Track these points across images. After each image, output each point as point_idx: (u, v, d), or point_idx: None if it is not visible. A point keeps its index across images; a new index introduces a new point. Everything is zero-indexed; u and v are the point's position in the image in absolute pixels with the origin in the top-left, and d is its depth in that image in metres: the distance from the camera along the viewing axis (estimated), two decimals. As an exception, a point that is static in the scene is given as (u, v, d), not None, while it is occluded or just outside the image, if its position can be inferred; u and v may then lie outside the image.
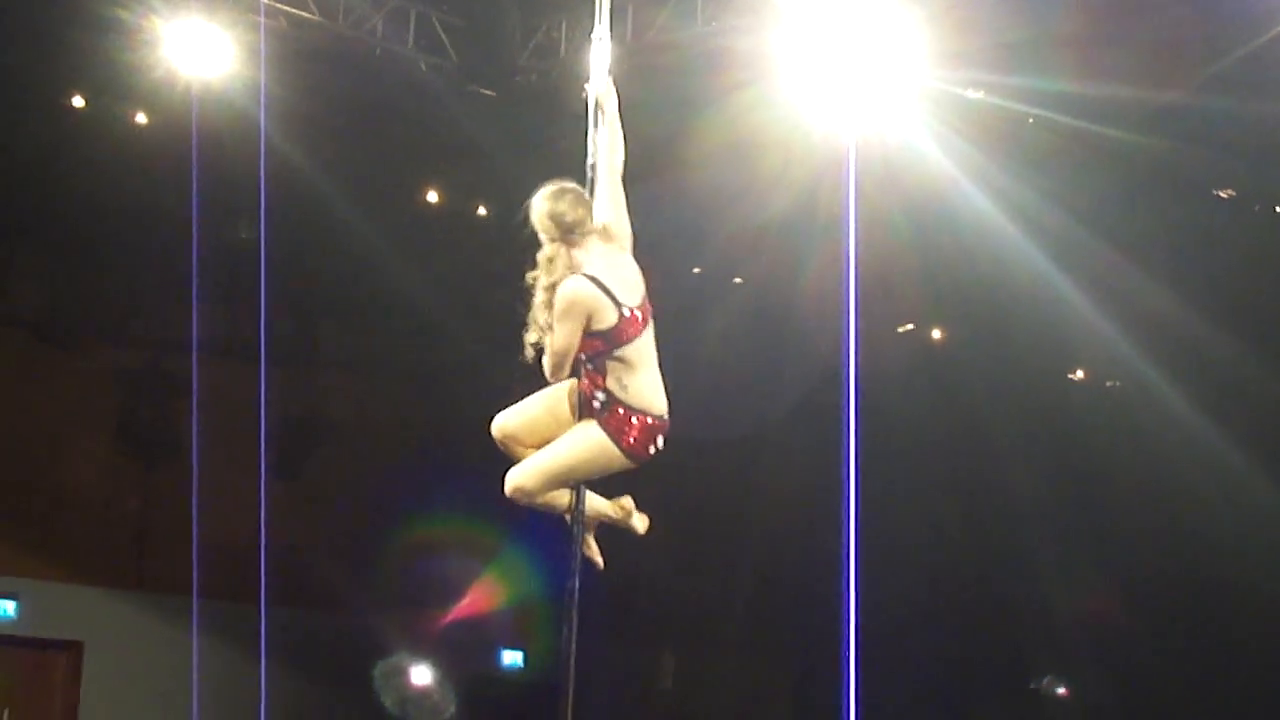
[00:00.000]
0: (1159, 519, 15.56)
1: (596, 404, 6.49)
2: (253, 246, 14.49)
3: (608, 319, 6.40)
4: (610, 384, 6.47)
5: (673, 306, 15.06)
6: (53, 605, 15.54)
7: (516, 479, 6.61)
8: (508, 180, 13.95)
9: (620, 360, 6.47)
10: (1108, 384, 15.51)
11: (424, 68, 12.53)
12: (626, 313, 6.43)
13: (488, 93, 12.87)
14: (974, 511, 16.64)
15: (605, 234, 6.61)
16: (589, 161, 6.91)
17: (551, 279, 6.45)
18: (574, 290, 6.37)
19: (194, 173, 13.24)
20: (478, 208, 14.77)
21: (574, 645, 6.81)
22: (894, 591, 16.36)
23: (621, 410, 6.47)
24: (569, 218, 6.50)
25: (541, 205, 6.54)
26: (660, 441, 6.58)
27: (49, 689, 15.65)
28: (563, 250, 6.48)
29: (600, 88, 6.92)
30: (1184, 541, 15.38)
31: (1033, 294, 13.66)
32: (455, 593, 17.57)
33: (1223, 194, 13.03)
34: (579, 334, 6.41)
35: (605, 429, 6.48)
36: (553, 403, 6.70)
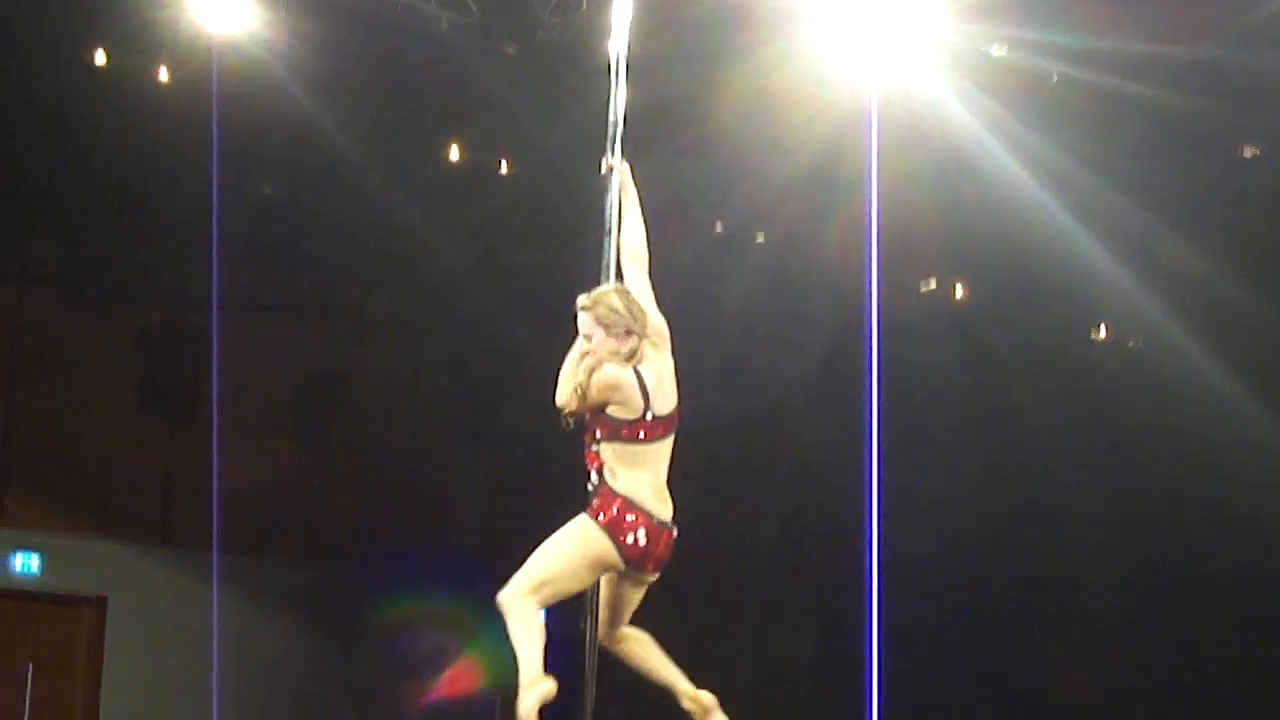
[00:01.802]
0: (1181, 476, 15.53)
1: (590, 486, 6.58)
2: (276, 203, 14.54)
3: (626, 413, 6.52)
4: (605, 470, 6.55)
5: (695, 264, 15.13)
6: (77, 560, 15.60)
7: (502, 595, 6.52)
8: (529, 137, 13.97)
9: (622, 454, 6.55)
10: (1130, 342, 15.46)
11: (445, 24, 12.49)
12: (649, 418, 6.54)
13: (509, 49, 12.84)
14: (996, 467, 16.61)
15: (657, 336, 6.73)
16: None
17: (596, 359, 6.56)
18: (618, 378, 6.51)
19: (214, 130, 13.26)
20: (499, 164, 14.74)
21: (593, 601, 6.82)
22: (916, 545, 16.38)
23: (607, 493, 6.51)
24: (639, 314, 6.65)
25: (611, 297, 6.67)
26: (663, 552, 6.59)
27: (73, 644, 15.72)
28: (635, 341, 6.59)
29: (621, 168, 7.06)
30: (1207, 497, 15.35)
31: (1056, 251, 13.62)
32: (479, 549, 17.63)
33: (1247, 152, 12.96)
34: (592, 406, 6.54)
35: (597, 520, 6.49)
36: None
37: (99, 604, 15.75)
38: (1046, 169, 12.72)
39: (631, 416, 6.50)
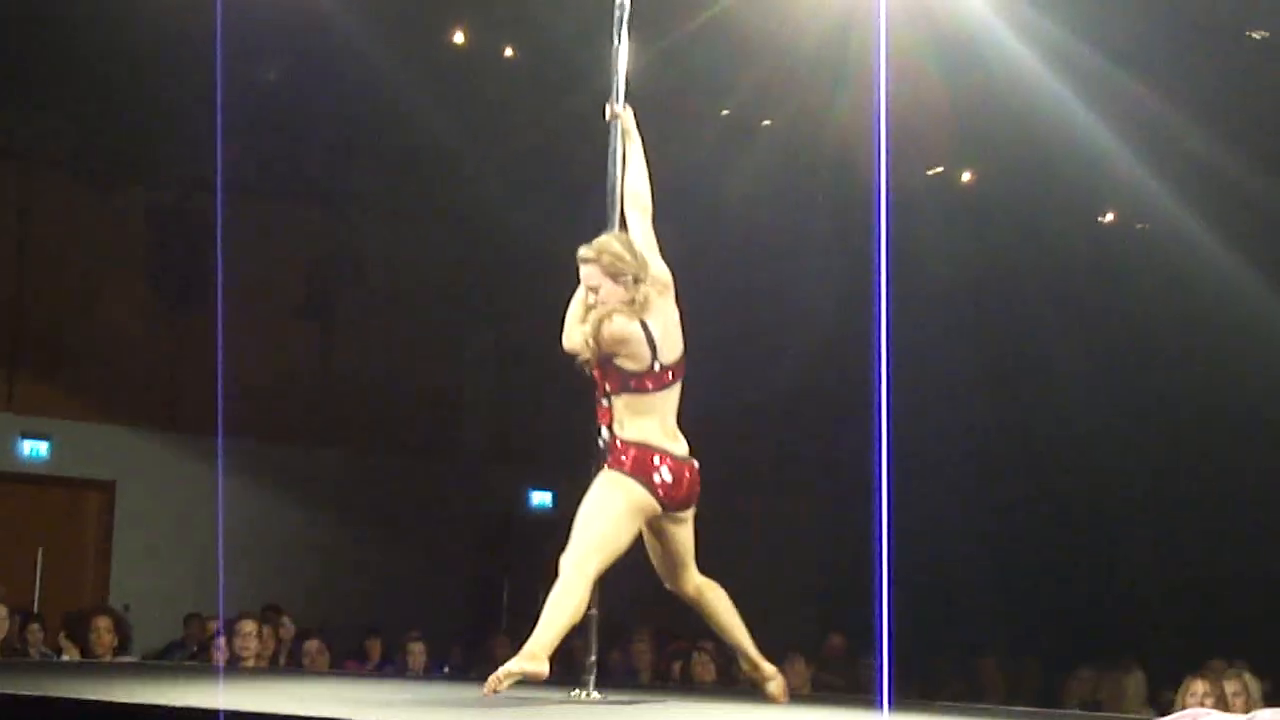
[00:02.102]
0: (1191, 361, 15.53)
1: (601, 443, 6.66)
2: (282, 88, 14.46)
3: (634, 364, 6.57)
4: (614, 424, 6.61)
5: (701, 149, 15.08)
6: (85, 445, 15.68)
7: (564, 559, 6.51)
8: (534, 21, 13.87)
9: (631, 404, 6.60)
10: (1138, 226, 15.42)
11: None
12: (657, 368, 6.59)
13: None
14: (1004, 352, 16.62)
15: (661, 285, 6.75)
16: (613, 190, 7.03)
17: (606, 310, 6.59)
18: (625, 330, 6.54)
19: (218, 12, 13.15)
20: (505, 49, 14.65)
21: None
22: (925, 434, 16.40)
23: (619, 444, 6.58)
24: (643, 260, 6.67)
25: (614, 245, 6.71)
26: (691, 486, 6.67)
27: (82, 528, 15.83)
28: (643, 289, 6.62)
29: (624, 114, 7.09)
30: (1217, 382, 15.36)
31: (1064, 135, 13.54)
32: (483, 433, 17.69)
33: (1257, 34, 12.86)
34: (598, 356, 6.59)
35: (621, 470, 6.56)
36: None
37: (107, 488, 15.85)
38: (1055, 51, 12.61)
39: (640, 368, 6.56)
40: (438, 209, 17.03)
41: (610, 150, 7.10)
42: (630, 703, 6.81)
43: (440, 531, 17.10)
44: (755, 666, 6.97)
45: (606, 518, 6.50)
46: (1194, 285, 14.58)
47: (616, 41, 7.21)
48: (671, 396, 6.67)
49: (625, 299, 6.58)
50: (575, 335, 6.66)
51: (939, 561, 16.48)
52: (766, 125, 14.88)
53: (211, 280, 16.00)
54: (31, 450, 15.50)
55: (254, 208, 16.33)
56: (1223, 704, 9.12)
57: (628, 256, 6.62)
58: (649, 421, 6.59)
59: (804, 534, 18.81)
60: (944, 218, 15.29)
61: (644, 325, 6.57)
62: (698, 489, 6.70)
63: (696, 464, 6.70)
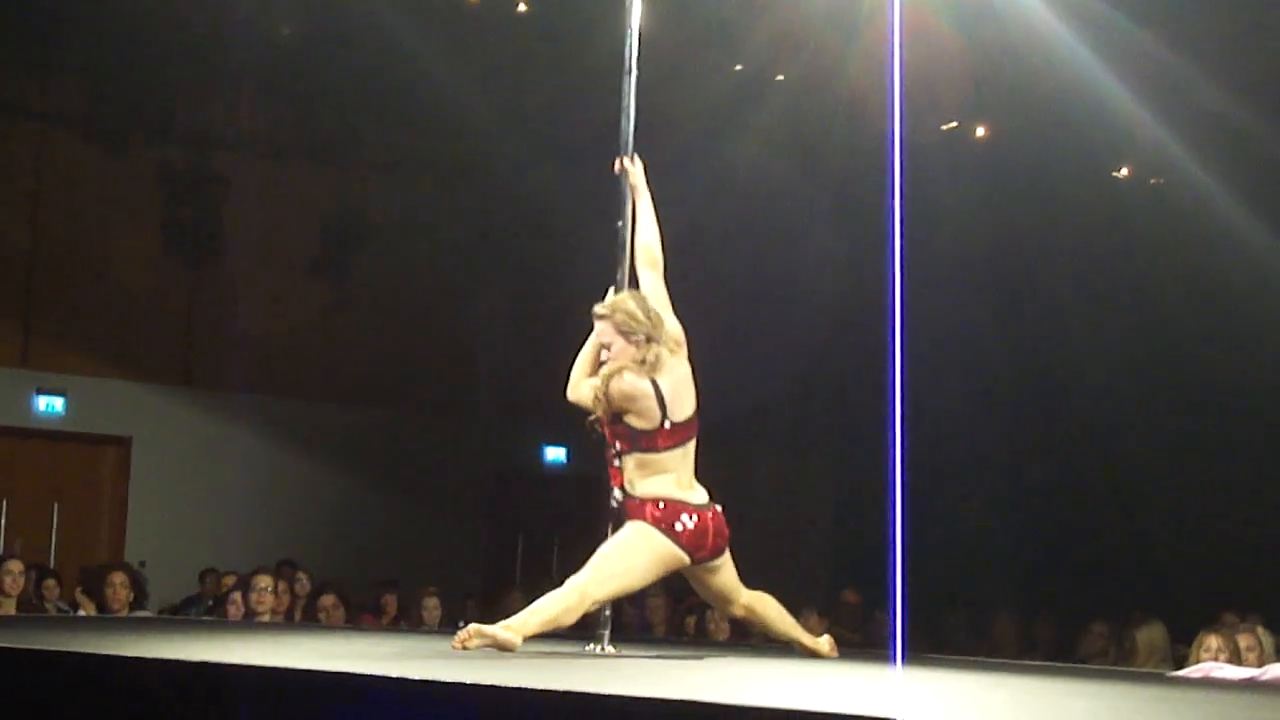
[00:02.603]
0: (1206, 315, 15.50)
1: (615, 504, 6.64)
2: (296, 44, 14.44)
3: (644, 422, 6.56)
4: (625, 484, 6.59)
5: (714, 105, 15.05)
6: (101, 401, 15.71)
7: (574, 578, 6.53)
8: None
9: (642, 464, 6.58)
10: (1152, 181, 15.38)
11: None
12: (667, 425, 6.56)
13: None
14: (1019, 308, 16.60)
15: (674, 342, 6.73)
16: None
17: (616, 366, 6.60)
18: (634, 388, 6.55)
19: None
20: (518, 4, 14.62)
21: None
22: (939, 390, 16.40)
23: (638, 501, 6.56)
24: (656, 318, 6.67)
25: (628, 303, 6.69)
26: (719, 530, 6.64)
27: (98, 484, 15.88)
28: (654, 349, 6.62)
29: (633, 169, 7.06)
30: (1232, 336, 15.33)
31: (1079, 90, 13.50)
32: (497, 390, 17.71)
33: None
34: (610, 412, 6.59)
35: (642, 519, 6.54)
36: None
37: (123, 444, 15.90)
38: (1070, 6, 12.57)
39: (650, 426, 6.55)
40: (450, 167, 17.01)
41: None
42: (656, 658, 6.81)
43: (455, 487, 17.15)
44: (812, 650, 7.10)
45: (626, 558, 6.51)
46: (1208, 240, 14.54)
47: (627, 81, 7.21)
48: (684, 454, 6.65)
49: (636, 358, 6.58)
50: (583, 389, 6.69)
51: (953, 516, 16.51)
52: (780, 81, 14.85)
53: (225, 237, 16.05)
54: (47, 406, 15.54)
55: (267, 166, 16.36)
56: (1236, 658, 9.14)
57: (640, 316, 6.62)
58: (662, 479, 6.57)
59: (818, 490, 18.83)
60: (958, 173, 15.26)
61: (654, 384, 6.56)
62: (725, 535, 6.69)
63: (719, 508, 6.69)
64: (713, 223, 15.41)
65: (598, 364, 6.71)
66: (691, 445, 6.67)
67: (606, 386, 6.55)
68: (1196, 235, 14.68)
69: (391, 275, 17.01)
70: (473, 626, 6.27)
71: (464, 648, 6.16)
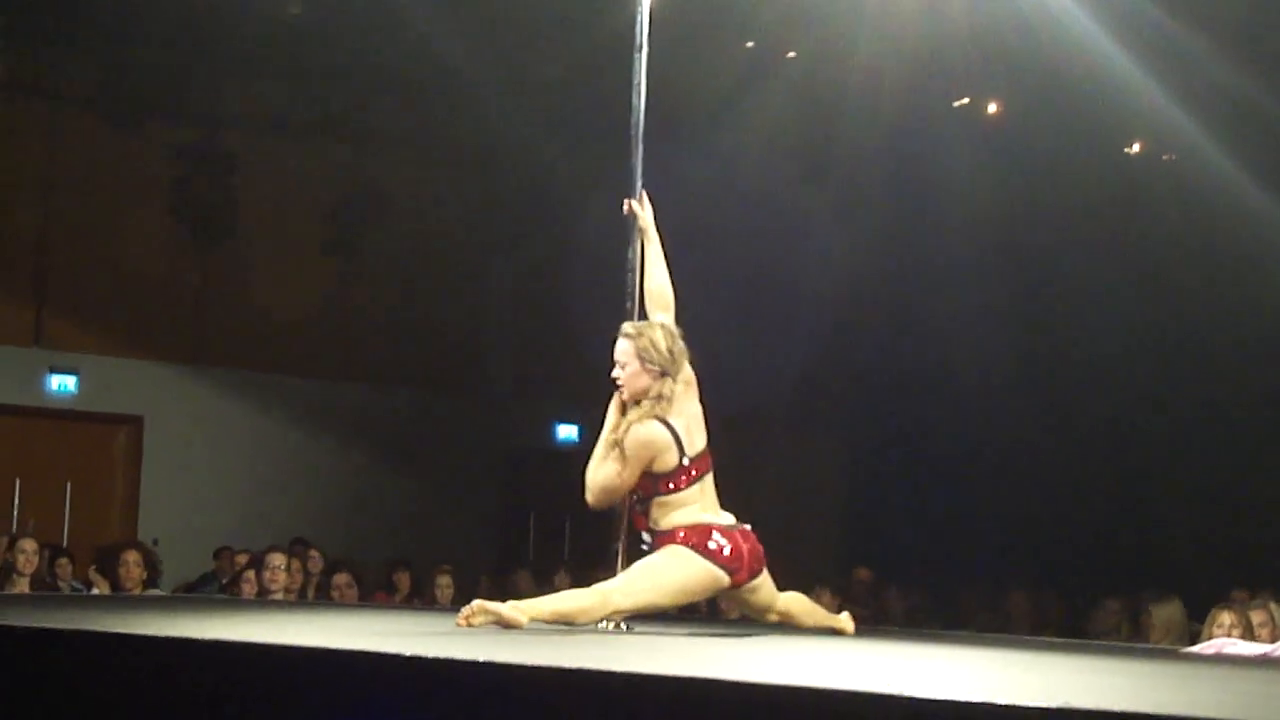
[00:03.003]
0: (1217, 290, 15.48)
1: (645, 546, 6.60)
2: (306, 23, 14.41)
3: (666, 465, 6.51)
4: (650, 525, 6.58)
5: (725, 82, 15.00)
6: (113, 380, 15.75)
7: (604, 586, 6.52)
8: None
9: (662, 505, 6.55)
10: (1164, 157, 15.34)
11: None
12: (686, 462, 6.52)
13: None
14: (1030, 282, 16.58)
15: (685, 384, 6.66)
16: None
17: (657, 410, 6.54)
18: (650, 434, 6.50)
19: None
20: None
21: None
22: (950, 364, 16.41)
23: (667, 531, 6.52)
24: (679, 355, 6.62)
25: (655, 332, 6.64)
26: (754, 550, 6.58)
27: (110, 463, 15.92)
28: (669, 384, 6.57)
29: (642, 212, 7.01)
30: (1243, 311, 15.31)
31: (1091, 65, 13.46)
32: (508, 368, 17.71)
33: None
34: (638, 476, 6.53)
35: (676, 543, 6.50)
36: None
37: (135, 423, 15.93)
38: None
39: (669, 468, 6.51)
40: (461, 145, 17.01)
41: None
42: (661, 634, 6.81)
43: (467, 465, 17.17)
44: (839, 629, 7.14)
45: (659, 575, 6.46)
46: (1220, 215, 14.51)
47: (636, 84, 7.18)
48: (703, 487, 6.61)
49: (644, 386, 6.56)
50: (601, 471, 6.58)
51: (967, 493, 16.51)
52: (791, 58, 14.82)
53: (236, 216, 16.06)
54: (60, 385, 15.57)
55: (278, 145, 16.36)
56: (1249, 634, 9.14)
57: (663, 348, 6.57)
58: (687, 510, 6.55)
59: (829, 467, 18.84)
60: (970, 148, 15.24)
61: (668, 425, 6.53)
62: (762, 556, 6.65)
63: (749, 528, 6.65)
64: (724, 200, 15.40)
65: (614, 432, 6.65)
66: (710, 477, 6.64)
67: (622, 445, 6.51)
68: (1208, 211, 14.65)
69: (402, 253, 17.03)
70: (477, 603, 6.24)
71: (469, 624, 6.14)
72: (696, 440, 6.61)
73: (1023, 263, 16.42)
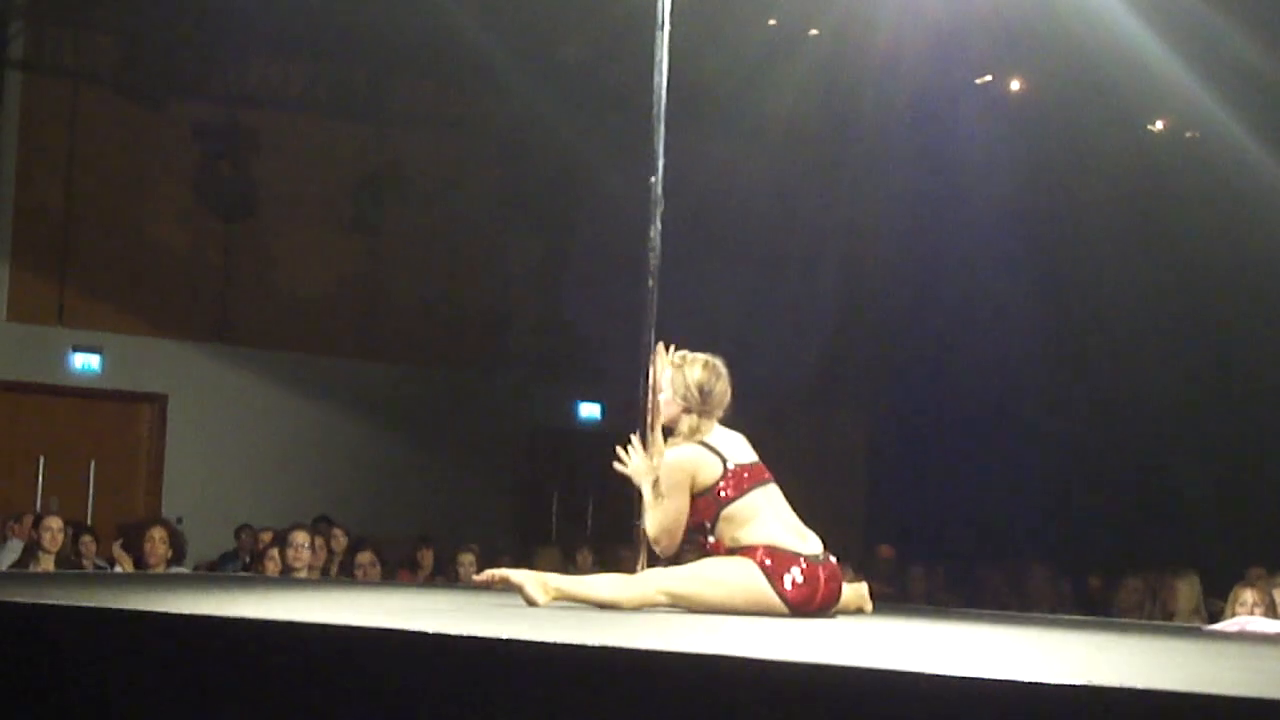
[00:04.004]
0: (1239, 268, 15.45)
1: None
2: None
3: (711, 475, 6.39)
4: (729, 541, 6.36)
5: (747, 60, 14.98)
6: (137, 359, 15.79)
7: (651, 573, 6.47)
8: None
9: (732, 520, 6.37)
10: (1187, 134, 15.31)
11: None
12: (732, 466, 6.40)
13: None
14: (1052, 260, 16.56)
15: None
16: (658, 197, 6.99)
17: (675, 444, 6.47)
18: (680, 455, 6.42)
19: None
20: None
21: (651, 396, 6.88)
22: (973, 342, 16.39)
23: (747, 548, 6.32)
24: (717, 397, 6.52)
25: (697, 371, 6.53)
26: (829, 586, 6.35)
27: (134, 441, 15.97)
28: (696, 421, 6.48)
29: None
30: (1265, 288, 15.27)
31: (1113, 42, 13.43)
32: (531, 347, 17.73)
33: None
34: (687, 500, 6.38)
35: (751, 558, 6.30)
36: None
37: (159, 401, 15.98)
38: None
39: (715, 476, 6.38)
40: (484, 122, 17.02)
41: (653, 230, 7.07)
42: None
43: (490, 444, 17.20)
44: (862, 607, 6.97)
45: (717, 575, 6.29)
46: (1243, 194, 14.48)
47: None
48: (768, 495, 6.45)
49: (674, 415, 6.52)
50: (654, 521, 6.47)
51: (989, 471, 16.50)
52: (814, 35, 14.80)
53: (259, 194, 16.08)
54: (83, 364, 15.62)
55: (301, 122, 16.37)
56: (1272, 611, 9.15)
57: (694, 392, 6.48)
58: (760, 522, 6.36)
59: (850, 446, 18.84)
60: (992, 126, 15.21)
61: (701, 443, 6.44)
62: (838, 591, 6.44)
63: (834, 560, 6.45)
64: (745, 178, 15.40)
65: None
66: (774, 490, 6.49)
67: (659, 482, 6.44)
68: (1231, 189, 14.61)
69: (425, 231, 17.04)
70: (503, 572, 6.29)
71: (490, 584, 6.26)
72: (741, 452, 6.51)
73: (1045, 240, 16.40)
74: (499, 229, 17.48)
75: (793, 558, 6.28)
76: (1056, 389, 16.78)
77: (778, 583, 6.23)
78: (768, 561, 6.26)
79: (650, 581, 6.36)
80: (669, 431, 6.60)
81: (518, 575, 6.28)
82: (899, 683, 3.54)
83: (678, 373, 6.54)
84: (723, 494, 6.37)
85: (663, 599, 6.28)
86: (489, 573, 6.30)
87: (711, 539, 6.41)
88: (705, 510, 6.40)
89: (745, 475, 6.43)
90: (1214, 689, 3.44)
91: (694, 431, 6.48)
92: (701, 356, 6.61)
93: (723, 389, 6.55)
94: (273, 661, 4.32)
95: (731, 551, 6.34)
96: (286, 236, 16.44)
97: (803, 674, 3.70)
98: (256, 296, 16.32)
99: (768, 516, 6.39)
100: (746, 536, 6.34)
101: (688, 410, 6.49)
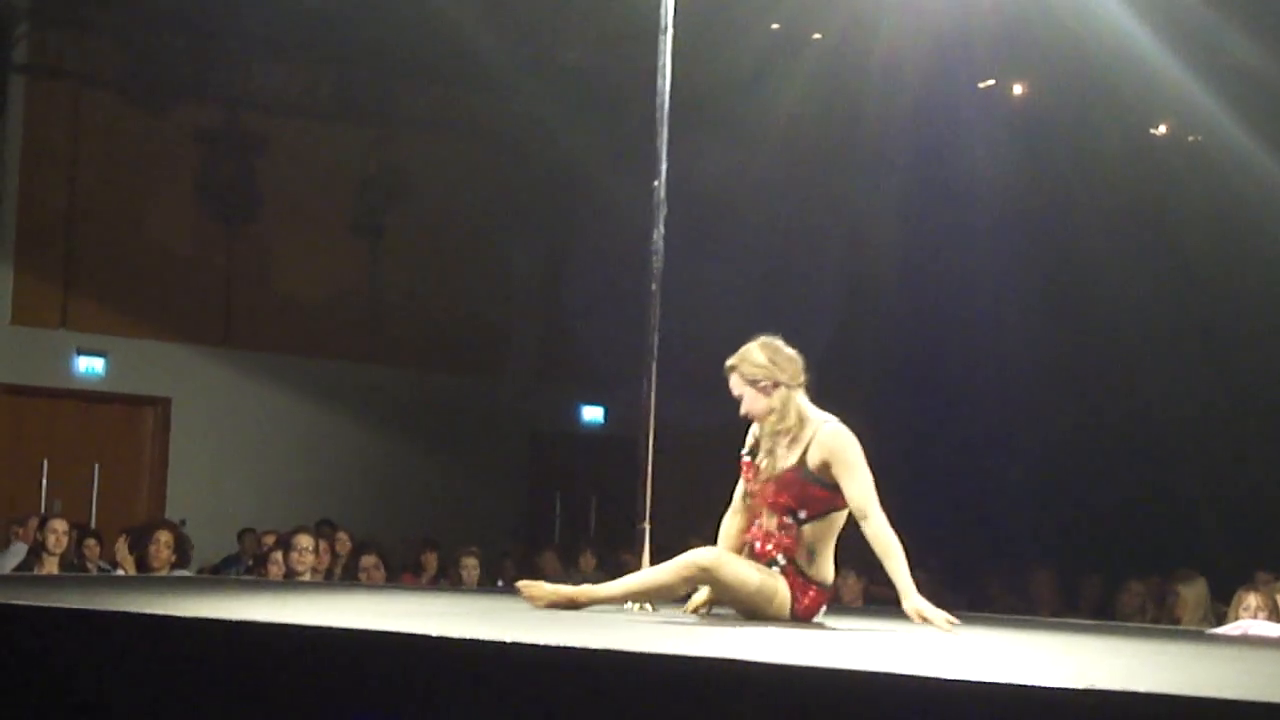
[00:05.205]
0: (1242, 271, 15.44)
1: (775, 566, 6.29)
2: (329, 5, 14.42)
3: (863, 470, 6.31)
4: (799, 553, 6.28)
5: (750, 63, 14.99)
6: (140, 362, 15.80)
7: (696, 555, 6.28)
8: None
9: (817, 534, 6.31)
10: (1190, 138, 15.31)
11: None
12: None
13: None
14: (1055, 265, 16.56)
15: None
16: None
17: (786, 424, 6.29)
18: (848, 432, 6.33)
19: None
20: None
21: (653, 400, 6.89)
22: (978, 347, 16.37)
23: (802, 582, 6.27)
24: (790, 357, 6.42)
25: (755, 353, 6.40)
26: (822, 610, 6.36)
27: (138, 444, 15.98)
28: (781, 393, 6.34)
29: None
30: (1268, 292, 15.27)
31: (1116, 47, 13.44)
32: (534, 350, 17.73)
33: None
34: (818, 479, 6.27)
35: (792, 598, 6.25)
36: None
37: (163, 405, 15.98)
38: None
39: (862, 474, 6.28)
40: (486, 127, 17.03)
41: (656, 233, 7.05)
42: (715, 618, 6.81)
43: (492, 447, 17.21)
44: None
45: (750, 575, 6.23)
46: (1245, 197, 14.48)
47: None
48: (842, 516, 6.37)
49: (765, 406, 6.32)
50: (871, 506, 6.27)
51: (991, 474, 16.48)
52: (816, 39, 14.81)
53: (261, 198, 16.10)
54: (87, 368, 15.63)
55: (304, 126, 16.39)
56: (1275, 615, 9.14)
57: (764, 362, 6.34)
58: (827, 557, 6.34)
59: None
60: (995, 130, 15.21)
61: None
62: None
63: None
64: (748, 181, 15.39)
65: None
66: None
67: (835, 458, 6.30)
68: (1233, 192, 14.61)
69: (427, 234, 17.06)
70: (540, 586, 6.32)
71: (531, 597, 6.21)
72: None
73: (1047, 243, 16.39)
74: (502, 232, 17.48)
75: (825, 598, 6.34)
76: (1060, 392, 16.77)
77: (798, 607, 6.25)
78: (806, 603, 6.24)
79: (702, 566, 6.21)
80: (775, 432, 6.36)
81: (550, 590, 6.29)
82: (902, 686, 3.54)
83: (741, 366, 6.37)
84: (841, 501, 6.30)
85: (707, 567, 6.19)
86: (528, 587, 6.31)
87: (799, 527, 6.28)
88: (812, 507, 6.29)
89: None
90: (1218, 693, 3.45)
91: (795, 406, 6.31)
92: (750, 344, 6.47)
93: (788, 355, 6.45)
94: (277, 664, 4.32)
95: (801, 570, 6.25)
96: (289, 240, 16.45)
97: (805, 678, 3.71)
98: (260, 300, 16.34)
99: (831, 550, 6.36)
100: (822, 565, 6.30)
101: (775, 385, 6.34)
